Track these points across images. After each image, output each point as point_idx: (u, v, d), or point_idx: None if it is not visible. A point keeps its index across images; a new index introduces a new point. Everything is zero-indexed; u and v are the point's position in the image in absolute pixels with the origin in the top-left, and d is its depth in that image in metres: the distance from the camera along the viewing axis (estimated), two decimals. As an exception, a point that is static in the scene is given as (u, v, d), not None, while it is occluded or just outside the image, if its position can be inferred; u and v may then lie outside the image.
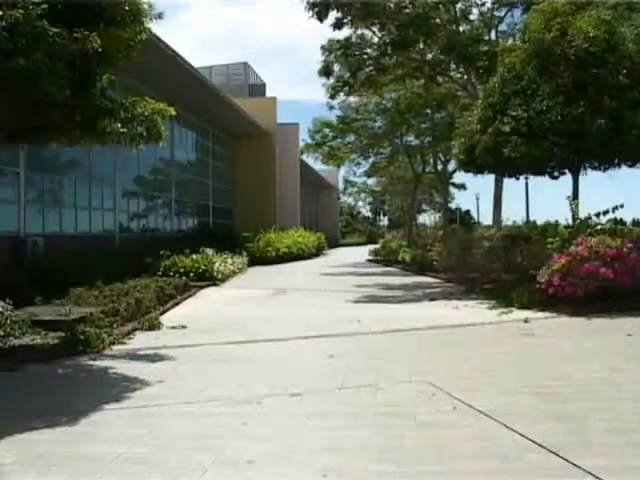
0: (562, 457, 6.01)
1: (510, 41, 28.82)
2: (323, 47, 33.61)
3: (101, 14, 10.28)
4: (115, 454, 6.27)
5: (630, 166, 21.48)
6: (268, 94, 60.23)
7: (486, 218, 48.99)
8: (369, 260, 47.41)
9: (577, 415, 7.36)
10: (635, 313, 15.21)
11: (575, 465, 5.82)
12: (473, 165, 22.53)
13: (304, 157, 58.27)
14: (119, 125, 10.95)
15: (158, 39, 25.75)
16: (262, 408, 7.89)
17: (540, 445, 6.35)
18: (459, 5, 32.80)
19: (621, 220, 18.77)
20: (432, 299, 19.84)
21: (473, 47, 30.42)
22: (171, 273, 24.21)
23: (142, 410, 7.87)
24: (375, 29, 32.91)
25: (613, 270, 15.90)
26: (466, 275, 23.44)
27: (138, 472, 5.87)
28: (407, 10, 30.92)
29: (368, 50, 33.97)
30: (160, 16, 11.39)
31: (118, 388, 8.94)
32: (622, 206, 18.45)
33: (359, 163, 55.78)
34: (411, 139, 48.21)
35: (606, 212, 18.43)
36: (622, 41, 19.56)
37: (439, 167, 46.57)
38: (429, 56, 34.29)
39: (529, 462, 5.96)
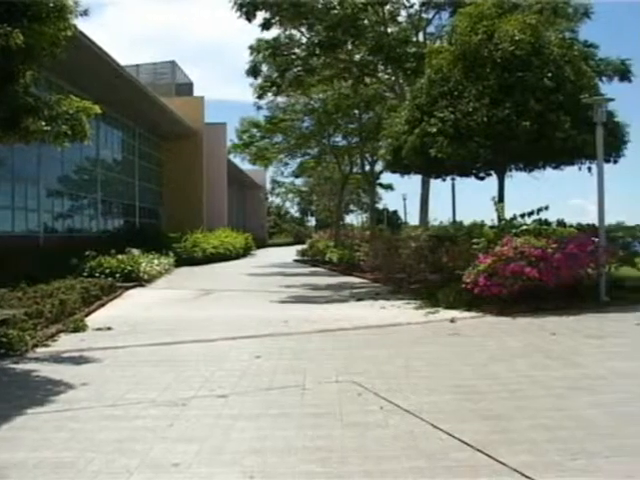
0: (488, 455, 6.06)
1: (438, 43, 29.02)
2: (251, 47, 33.41)
3: (25, 10, 10.06)
4: (38, 459, 6.12)
5: (554, 167, 21.84)
6: (196, 93, 59.84)
7: (413, 219, 49.46)
8: (296, 260, 47.43)
9: (502, 413, 7.43)
10: (559, 312, 15.49)
11: (500, 462, 5.88)
12: (400, 166, 22.67)
13: (232, 157, 57.91)
14: (43, 123, 10.72)
15: (84, 36, 25.36)
16: (188, 410, 7.77)
17: (466, 443, 6.39)
18: (387, 7, 32.84)
19: (546, 221, 19.08)
20: (359, 299, 19.88)
21: (401, 49, 30.50)
22: (97, 274, 23.89)
23: (66, 414, 7.69)
24: (303, 29, 32.83)
25: (538, 270, 16.13)
26: (393, 275, 23.56)
27: (62, 477, 5.72)
28: (335, 11, 30.90)
29: (296, 50, 33.88)
30: (86, 13, 11.20)
31: (42, 392, 8.74)
32: (547, 208, 18.79)
33: (287, 163, 55.62)
34: (339, 139, 48.25)
35: (531, 213, 18.73)
36: (547, 45, 19.89)
37: (366, 168, 46.65)
38: (357, 57, 34.31)
39: (455, 461, 5.98)
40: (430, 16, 33.56)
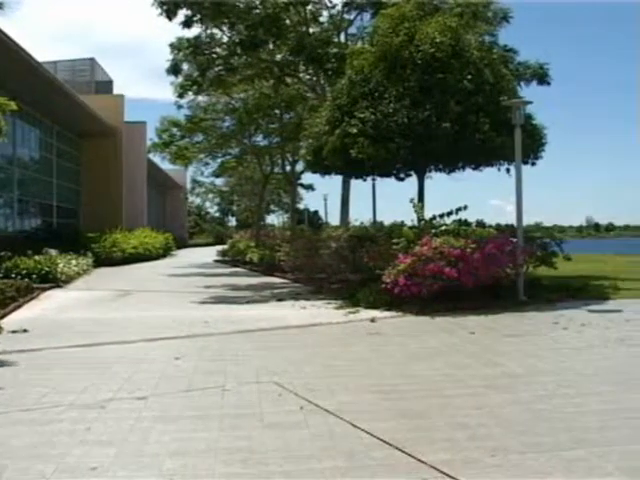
0: (407, 453, 6.07)
1: (359, 44, 29.16)
2: (172, 45, 33.18)
3: None
4: (-54, 467, 5.90)
5: (474, 169, 22.09)
6: (116, 91, 59.00)
7: (334, 219, 49.50)
8: (217, 261, 47.19)
9: (422, 412, 7.47)
10: (478, 311, 15.67)
11: (420, 460, 5.89)
12: (321, 166, 22.68)
13: (152, 156, 57.32)
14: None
15: (-1, 30, 24.81)
16: (106, 413, 7.61)
17: (386, 442, 6.39)
18: (309, 7, 32.93)
19: (466, 221, 19.29)
20: (280, 299, 19.83)
21: (322, 49, 30.57)
22: (13, 275, 23.36)
23: (-23, 418, 7.47)
24: (225, 28, 32.73)
25: (457, 270, 16.30)
26: (313, 275, 23.59)
27: (-29, 483, 5.55)
28: (257, 10, 30.87)
29: (218, 49, 33.74)
30: (1, 7, 10.96)
31: (-49, 396, 8.47)
32: (465, 208, 18.97)
33: (207, 163, 55.24)
34: (260, 139, 48.14)
35: (450, 213, 18.91)
36: (467, 48, 20.15)
37: (287, 168, 46.69)
38: (278, 57, 34.29)
39: (375, 459, 5.97)
40: (352, 17, 33.80)
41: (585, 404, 7.75)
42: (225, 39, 33.37)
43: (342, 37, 33.86)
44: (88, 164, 51.39)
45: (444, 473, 5.61)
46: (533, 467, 5.76)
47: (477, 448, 6.22)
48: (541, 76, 27.46)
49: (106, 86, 58.77)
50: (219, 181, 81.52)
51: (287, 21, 32.18)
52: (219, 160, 54.67)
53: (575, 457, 5.99)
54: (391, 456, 6.06)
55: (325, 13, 34.28)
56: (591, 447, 6.23)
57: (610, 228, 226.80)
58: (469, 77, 19.62)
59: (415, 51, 19.73)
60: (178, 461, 5.99)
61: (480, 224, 20.50)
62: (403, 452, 6.11)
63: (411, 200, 19.92)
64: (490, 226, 20.21)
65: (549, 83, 27.79)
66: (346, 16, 33.85)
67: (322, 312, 16.70)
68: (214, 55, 33.75)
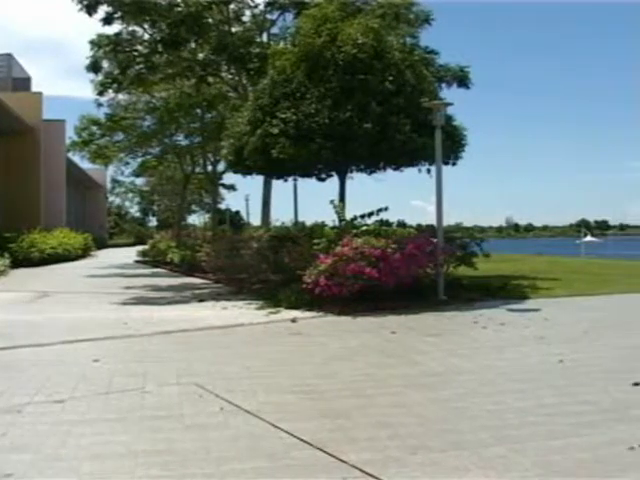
0: (328, 453, 6.06)
1: (281, 44, 29.11)
2: (92, 42, 32.66)
3: None
4: None
5: (395, 169, 22.24)
6: (34, 89, 57.86)
7: (256, 219, 49.43)
8: (137, 261, 46.62)
9: (343, 411, 7.46)
10: (399, 311, 15.78)
11: (341, 460, 5.89)
12: (242, 166, 22.55)
13: (71, 155, 56.40)
14: None
15: None
16: (22, 417, 7.42)
17: (307, 442, 6.37)
18: (232, 6, 32.80)
19: (387, 221, 19.43)
20: (201, 300, 19.67)
21: (245, 49, 30.49)
22: None
23: None
24: (146, 26, 32.37)
25: (378, 270, 16.36)
26: (235, 276, 23.45)
27: None
28: (179, 8, 30.58)
29: (139, 47, 33.31)
30: None
31: None
32: (386, 208, 19.11)
33: (127, 162, 54.67)
34: (181, 139, 47.82)
35: (371, 214, 19.00)
36: (389, 49, 20.29)
37: (209, 168, 46.45)
38: (200, 56, 34.02)
39: (296, 459, 5.95)
40: (274, 17, 33.76)
41: (504, 402, 7.85)
42: (146, 37, 32.98)
43: (265, 37, 33.80)
44: (4, 163, 50.26)
45: (365, 472, 5.62)
46: (453, 465, 5.81)
47: (398, 447, 6.25)
48: (461, 79, 27.81)
49: (24, 83, 57.51)
50: (139, 181, 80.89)
51: (209, 20, 31.97)
52: (139, 159, 54.14)
53: (494, 454, 6.06)
54: (312, 456, 6.04)
55: (248, 12, 34.25)
56: (510, 444, 6.31)
57: (529, 228, 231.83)
58: (391, 78, 19.73)
59: (337, 52, 19.77)
60: (96, 465, 5.87)
61: (401, 224, 20.64)
62: (324, 452, 6.10)
63: (331, 201, 19.94)
64: (411, 226, 20.35)
65: (469, 86, 28.18)
66: (269, 16, 33.81)
67: (243, 312, 16.62)
68: (135, 53, 33.31)
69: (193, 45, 33.06)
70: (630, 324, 14.24)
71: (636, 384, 8.54)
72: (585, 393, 8.25)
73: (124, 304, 19.23)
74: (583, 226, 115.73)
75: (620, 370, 9.53)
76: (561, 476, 5.58)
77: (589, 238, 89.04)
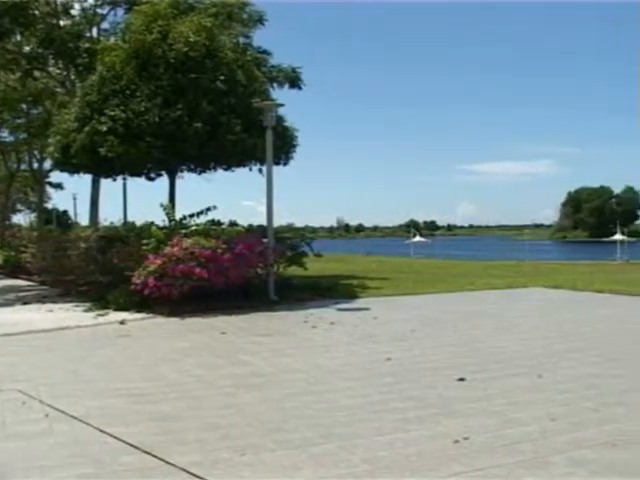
0: (156, 456, 5.98)
1: (112, 40, 28.48)
2: None
3: None
4: None
5: (226, 169, 22.19)
6: None
7: (84, 219, 48.24)
8: (-43, 263, 44.66)
9: (172, 414, 7.37)
10: (230, 312, 15.79)
11: (169, 463, 5.82)
12: (69, 164, 21.94)
13: None
14: None
15: None
16: None
17: (134, 446, 6.26)
18: (60, -2, 31.87)
19: (218, 222, 19.34)
20: (25, 303, 19.01)
21: (73, 43, 29.67)
22: None
23: None
24: (-32, 15, 31.02)
25: (208, 270, 16.26)
26: (62, 277, 22.80)
27: None
28: (4, -2, 29.48)
29: (-41, 37, 31.92)
30: None
31: None
32: (215, 207, 19.01)
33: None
34: (5, 135, 46.14)
35: (200, 213, 18.85)
36: (221, 48, 20.22)
37: (35, 165, 45.06)
38: (27, 49, 32.91)
39: (123, 464, 5.84)
40: (105, 12, 32.99)
41: (334, 400, 7.95)
42: (-32, 27, 31.61)
43: (94, 32, 33.01)
44: None
45: (193, 474, 5.57)
46: (283, 463, 5.83)
47: (228, 448, 6.22)
48: (293, 80, 28.00)
49: None
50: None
51: (36, 11, 30.88)
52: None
53: (323, 451, 6.12)
54: (140, 460, 5.94)
55: (77, 6, 33.26)
56: (339, 441, 6.41)
57: (360, 229, 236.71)
58: (222, 78, 19.66)
59: (169, 49, 19.53)
60: None
61: (233, 224, 20.63)
62: (152, 456, 6.00)
63: (161, 204, 19.64)
64: (242, 227, 20.34)
65: (301, 87, 28.40)
66: (99, 10, 33.01)
67: (70, 315, 16.17)
68: (-45, 43, 31.89)
69: (19, 37, 31.88)
70: (455, 322, 14.70)
71: (461, 380, 8.85)
72: (412, 389, 8.48)
73: (-58, 307, 18.36)
74: (412, 227, 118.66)
75: (445, 367, 9.83)
76: (389, 471, 5.69)
77: (418, 238, 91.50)
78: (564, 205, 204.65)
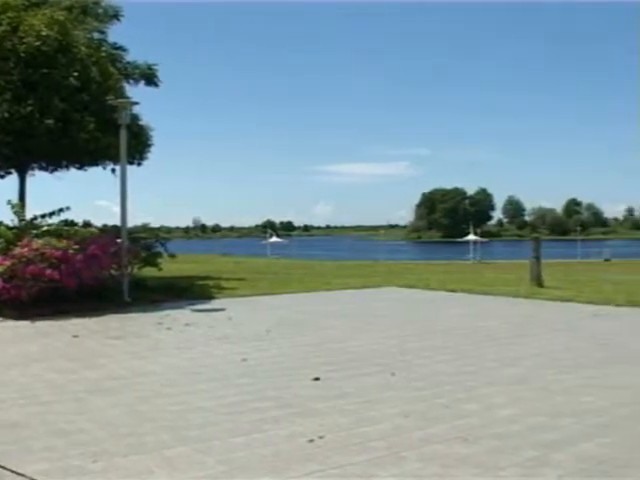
0: (3, 466, 5.76)
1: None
2: None
3: None
4: None
5: (79, 168, 21.75)
6: None
7: None
8: None
9: (19, 421, 7.14)
10: (82, 314, 15.45)
11: (16, 473, 5.62)
12: None
13: None
14: None
15: None
16: None
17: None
18: None
19: (72, 222, 18.89)
20: None
21: None
22: None
23: None
24: None
25: (59, 272, 15.85)
26: None
27: None
28: None
29: None
30: None
31: None
32: (68, 208, 18.54)
33: None
34: None
35: (52, 213, 18.36)
36: (75, 43, 19.75)
37: None
38: None
39: (-36, 477, 5.60)
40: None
41: (188, 402, 7.89)
42: None
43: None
44: None
45: (40, 483, 5.39)
46: (136, 468, 5.74)
47: (79, 455, 6.07)
48: (149, 77, 27.54)
49: None
50: None
51: None
52: None
53: (177, 454, 6.08)
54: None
55: None
56: (193, 443, 6.37)
57: (216, 229, 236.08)
58: (76, 74, 19.23)
59: (19, 43, 18.92)
60: None
61: (87, 225, 20.22)
62: (0, 466, 5.78)
63: (8, 202, 19.00)
64: (96, 227, 19.95)
65: (157, 85, 27.97)
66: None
67: None
68: None
69: None
70: (311, 322, 14.84)
71: (316, 379, 8.93)
72: (268, 389, 8.51)
73: None
74: (269, 227, 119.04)
75: (301, 366, 9.92)
76: (245, 471, 5.70)
77: (275, 239, 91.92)
78: (418, 206, 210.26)
